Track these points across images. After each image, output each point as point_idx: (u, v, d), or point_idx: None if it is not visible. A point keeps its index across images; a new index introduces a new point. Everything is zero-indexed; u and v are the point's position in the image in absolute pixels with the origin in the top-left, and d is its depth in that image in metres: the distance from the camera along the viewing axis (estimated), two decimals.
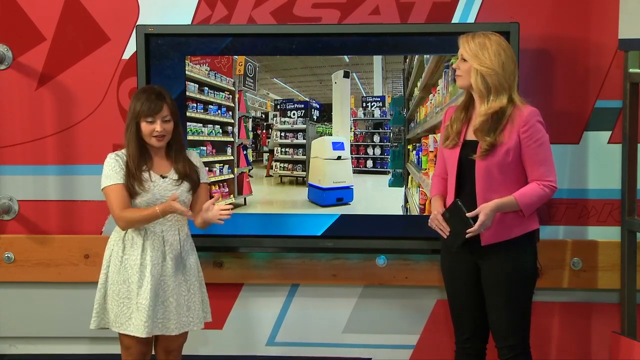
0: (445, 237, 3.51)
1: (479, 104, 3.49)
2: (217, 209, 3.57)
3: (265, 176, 4.35)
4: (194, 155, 3.80)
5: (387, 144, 4.26)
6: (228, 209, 3.58)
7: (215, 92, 4.26)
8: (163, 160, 3.69)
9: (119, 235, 3.66)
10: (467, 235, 3.41)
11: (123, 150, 3.67)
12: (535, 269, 3.56)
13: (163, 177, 3.65)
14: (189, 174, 3.68)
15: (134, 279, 3.59)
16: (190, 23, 4.33)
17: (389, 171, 4.27)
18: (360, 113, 4.27)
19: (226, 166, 4.30)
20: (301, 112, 4.29)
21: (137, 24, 4.29)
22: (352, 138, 4.29)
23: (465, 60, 3.47)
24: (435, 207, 3.63)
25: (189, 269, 3.70)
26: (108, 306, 3.65)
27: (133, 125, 3.59)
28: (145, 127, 3.58)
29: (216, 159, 4.28)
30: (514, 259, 3.48)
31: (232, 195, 4.29)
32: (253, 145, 4.33)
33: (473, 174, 3.47)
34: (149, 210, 3.55)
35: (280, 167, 4.34)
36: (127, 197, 3.59)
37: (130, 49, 4.33)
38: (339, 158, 4.29)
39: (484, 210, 3.39)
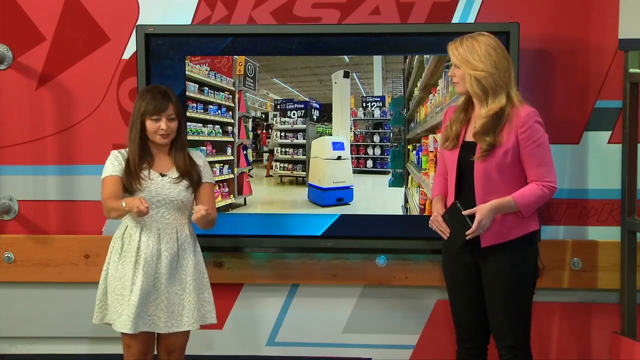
0: (445, 238, 3.51)
1: (478, 107, 3.47)
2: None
3: (265, 176, 4.34)
4: (199, 155, 3.83)
5: (387, 144, 4.26)
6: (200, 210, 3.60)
7: (215, 92, 4.26)
8: (165, 159, 3.72)
9: (119, 233, 3.72)
10: (466, 237, 3.41)
11: (126, 149, 3.72)
12: (535, 269, 3.55)
13: (162, 176, 3.68)
14: (189, 172, 3.71)
15: (129, 275, 3.63)
16: (190, 23, 4.33)
17: (389, 171, 4.27)
18: (360, 113, 4.26)
19: (226, 166, 4.30)
20: (301, 112, 4.29)
21: (137, 24, 4.29)
22: (352, 138, 4.28)
23: (458, 67, 3.45)
24: (435, 208, 3.63)
25: (185, 268, 3.70)
26: (108, 301, 3.70)
27: (138, 123, 3.66)
28: (150, 125, 3.64)
29: (216, 159, 4.28)
30: (514, 260, 3.47)
31: (232, 195, 4.29)
32: (253, 145, 4.33)
33: (472, 176, 3.46)
34: (118, 203, 3.56)
35: (280, 167, 4.33)
36: (119, 188, 3.64)
37: (130, 49, 4.33)
38: (339, 158, 4.28)
39: (480, 210, 3.38)
